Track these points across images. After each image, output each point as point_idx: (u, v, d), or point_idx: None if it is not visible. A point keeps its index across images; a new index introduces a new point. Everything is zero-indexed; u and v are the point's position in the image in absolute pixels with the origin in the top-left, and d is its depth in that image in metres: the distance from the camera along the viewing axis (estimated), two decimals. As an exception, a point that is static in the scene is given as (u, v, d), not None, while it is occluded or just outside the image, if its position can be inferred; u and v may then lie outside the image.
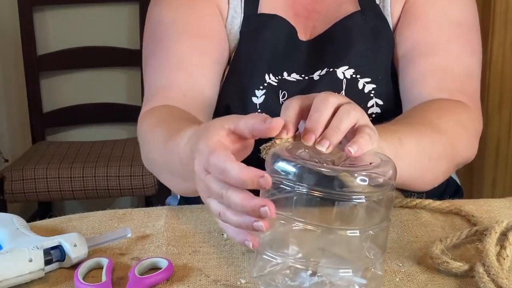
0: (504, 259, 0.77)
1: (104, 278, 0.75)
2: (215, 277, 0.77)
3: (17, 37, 2.55)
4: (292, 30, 1.09)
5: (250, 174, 0.64)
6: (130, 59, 2.61)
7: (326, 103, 0.70)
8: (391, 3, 1.08)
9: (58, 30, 2.62)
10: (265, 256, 0.69)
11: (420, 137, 0.89)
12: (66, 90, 2.67)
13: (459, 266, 0.76)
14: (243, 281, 0.76)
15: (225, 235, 0.87)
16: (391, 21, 1.08)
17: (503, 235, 0.81)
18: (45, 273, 0.77)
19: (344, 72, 1.05)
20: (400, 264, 0.79)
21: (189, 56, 1.05)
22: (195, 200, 1.02)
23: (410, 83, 1.04)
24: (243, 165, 0.65)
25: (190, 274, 0.77)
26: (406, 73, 1.05)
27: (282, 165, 0.66)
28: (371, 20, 1.08)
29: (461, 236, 0.83)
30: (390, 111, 1.04)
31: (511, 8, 2.15)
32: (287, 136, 0.70)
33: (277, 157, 0.67)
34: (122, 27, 2.65)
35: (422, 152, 0.89)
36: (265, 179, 0.64)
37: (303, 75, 1.07)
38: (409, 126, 0.90)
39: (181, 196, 1.20)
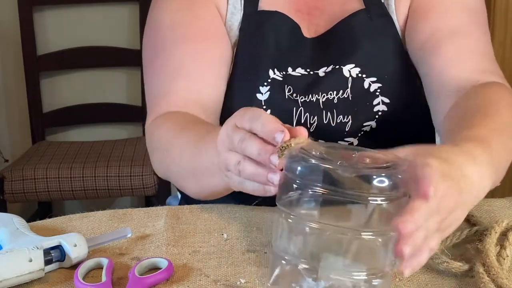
0: (504, 259, 0.77)
1: (104, 278, 0.75)
2: (215, 277, 0.77)
3: (17, 37, 2.55)
4: (295, 26, 1.08)
5: (276, 125, 0.69)
6: (130, 59, 2.61)
7: None
8: (395, 1, 1.07)
9: (58, 30, 2.62)
10: (282, 261, 0.68)
11: (505, 140, 0.83)
12: (66, 90, 2.67)
13: (459, 266, 0.76)
14: (243, 281, 0.76)
15: (225, 235, 0.87)
16: (396, 20, 1.07)
17: (503, 235, 0.81)
18: (45, 273, 0.77)
19: (350, 70, 1.04)
20: (400, 264, 0.79)
21: (188, 61, 1.04)
22: (196, 200, 1.02)
23: (442, 66, 1.01)
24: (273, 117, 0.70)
25: (190, 274, 0.77)
26: (435, 59, 1.02)
27: (298, 166, 0.65)
28: (376, 18, 1.07)
29: (461, 236, 0.83)
30: (398, 109, 1.03)
31: (511, 8, 2.15)
32: (302, 136, 0.70)
33: (294, 158, 0.66)
34: (122, 27, 2.65)
35: (505, 151, 0.84)
36: (283, 133, 0.68)
37: (308, 70, 1.06)
38: (493, 132, 0.82)
39: (181, 196, 1.20)
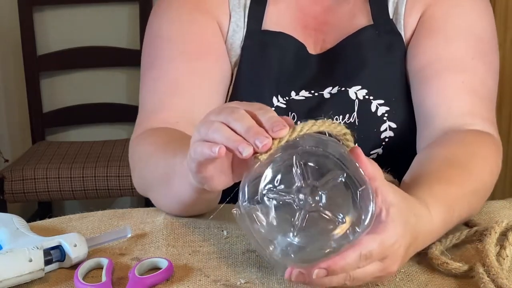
0: (504, 259, 0.77)
1: (104, 278, 0.75)
2: (215, 277, 0.77)
3: (17, 37, 2.55)
4: (300, 47, 1.04)
5: (256, 130, 0.66)
6: (130, 59, 2.61)
7: None
8: (404, 15, 1.03)
9: (58, 30, 2.62)
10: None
11: (469, 199, 0.85)
12: (66, 90, 2.67)
13: (458, 266, 0.76)
14: (242, 281, 0.76)
15: (225, 232, 0.87)
16: (404, 35, 1.03)
17: (503, 235, 0.81)
18: (45, 273, 0.77)
19: (356, 92, 1.01)
20: (400, 264, 0.79)
21: (184, 79, 1.01)
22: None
23: (432, 101, 0.98)
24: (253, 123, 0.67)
25: (190, 274, 0.77)
26: (427, 91, 0.99)
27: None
28: (385, 35, 1.03)
29: (461, 236, 0.83)
30: (404, 134, 1.01)
31: (511, 8, 2.15)
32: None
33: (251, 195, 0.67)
34: (122, 27, 2.65)
35: (469, 211, 0.87)
36: (243, 148, 0.65)
37: (312, 91, 1.02)
38: (460, 189, 0.84)
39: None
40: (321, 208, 0.66)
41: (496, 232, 0.80)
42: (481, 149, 0.92)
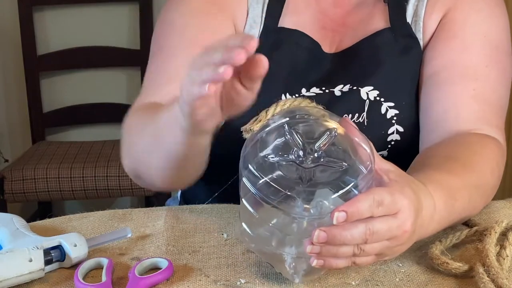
0: (504, 259, 0.77)
1: (104, 278, 0.75)
2: (215, 277, 0.77)
3: (17, 37, 2.55)
4: (315, 44, 1.04)
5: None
6: (130, 59, 2.60)
7: None
8: (424, 17, 1.03)
9: (58, 30, 2.62)
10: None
11: (470, 192, 0.86)
12: (66, 90, 2.67)
13: (458, 266, 0.76)
14: (243, 281, 0.76)
15: (225, 235, 0.87)
16: (422, 38, 1.03)
17: (503, 235, 0.81)
18: (45, 273, 0.77)
19: (368, 92, 1.01)
20: (400, 264, 0.79)
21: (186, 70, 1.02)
22: (195, 202, 1.01)
23: (442, 107, 0.99)
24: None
25: (190, 274, 0.78)
26: (439, 91, 1.00)
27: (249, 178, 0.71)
28: (401, 39, 1.03)
29: (461, 236, 0.83)
30: (410, 139, 1.02)
31: (511, 8, 2.15)
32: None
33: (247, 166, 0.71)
34: (122, 27, 2.65)
35: (471, 206, 0.87)
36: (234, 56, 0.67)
37: (323, 88, 1.02)
38: (461, 180, 0.85)
39: (181, 199, 1.20)
40: (322, 162, 0.71)
41: (496, 232, 0.80)
42: (483, 149, 0.93)
